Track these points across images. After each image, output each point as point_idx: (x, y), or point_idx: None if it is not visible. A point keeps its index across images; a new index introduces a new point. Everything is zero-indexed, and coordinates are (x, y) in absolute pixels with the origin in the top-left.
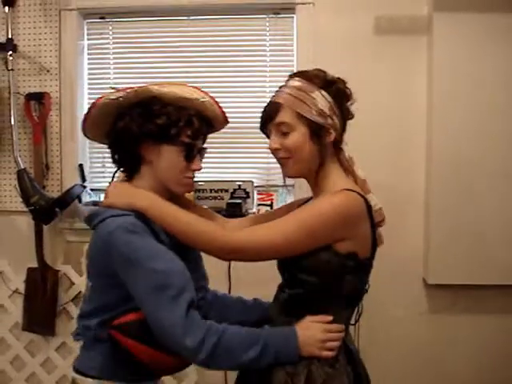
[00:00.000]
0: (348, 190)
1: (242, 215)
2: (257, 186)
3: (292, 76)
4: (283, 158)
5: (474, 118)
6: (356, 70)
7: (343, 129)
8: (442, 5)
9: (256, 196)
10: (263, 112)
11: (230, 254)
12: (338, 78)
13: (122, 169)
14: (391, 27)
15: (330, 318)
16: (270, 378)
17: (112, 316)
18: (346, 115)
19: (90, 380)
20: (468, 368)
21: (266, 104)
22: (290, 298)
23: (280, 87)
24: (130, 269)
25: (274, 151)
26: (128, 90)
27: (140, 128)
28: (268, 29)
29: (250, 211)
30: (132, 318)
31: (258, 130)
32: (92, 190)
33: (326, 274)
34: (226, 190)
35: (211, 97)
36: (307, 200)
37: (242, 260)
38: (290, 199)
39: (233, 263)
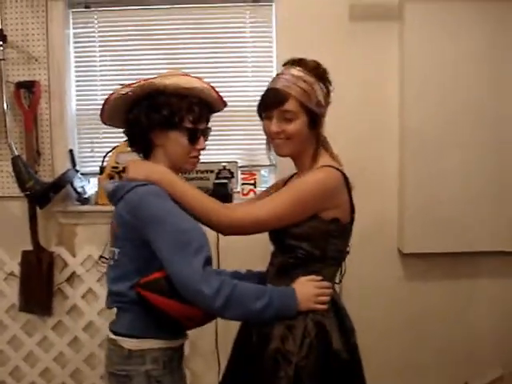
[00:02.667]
0: (328, 166)
1: (228, 194)
2: (240, 167)
3: (291, 64)
4: (281, 139)
5: (443, 99)
6: (332, 56)
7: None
8: None
9: (240, 176)
10: (267, 97)
11: (233, 229)
12: (325, 69)
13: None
14: (365, 14)
15: (320, 277)
16: (270, 332)
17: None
18: (328, 103)
19: (126, 339)
20: (442, 333)
21: (268, 89)
22: (283, 262)
23: (280, 74)
24: (157, 226)
25: (275, 134)
26: (135, 85)
27: (148, 119)
28: (248, 16)
29: (234, 190)
30: (157, 276)
31: (241, 114)
32: (82, 174)
33: (314, 238)
34: (212, 171)
35: (210, 85)
36: (291, 176)
37: (241, 234)
38: (272, 178)
39: (220, 240)
